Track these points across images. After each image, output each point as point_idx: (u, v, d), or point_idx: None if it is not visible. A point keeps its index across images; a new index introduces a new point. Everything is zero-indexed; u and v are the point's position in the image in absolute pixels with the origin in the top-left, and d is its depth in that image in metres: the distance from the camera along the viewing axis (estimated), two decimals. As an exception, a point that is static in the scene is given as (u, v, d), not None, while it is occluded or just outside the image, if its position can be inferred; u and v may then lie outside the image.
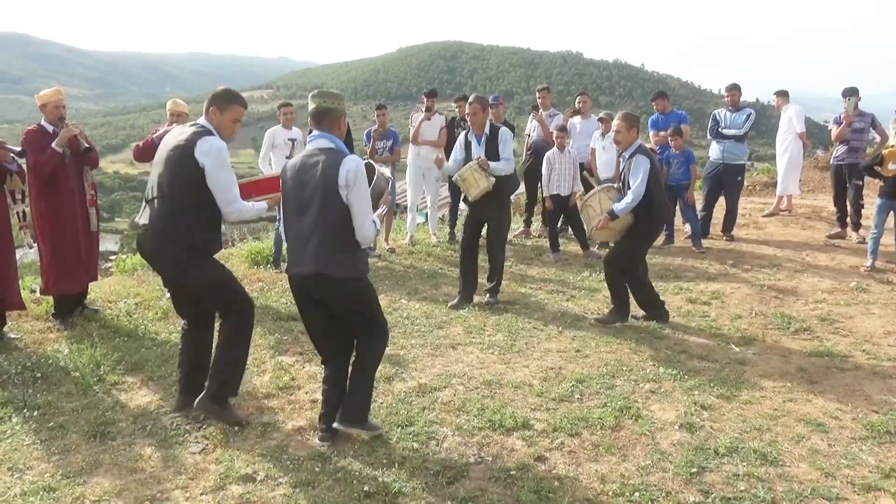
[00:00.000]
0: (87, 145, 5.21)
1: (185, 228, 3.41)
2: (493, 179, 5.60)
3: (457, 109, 8.16)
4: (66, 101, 5.28)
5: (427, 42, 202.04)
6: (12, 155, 4.84)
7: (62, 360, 4.51)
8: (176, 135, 3.50)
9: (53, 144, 4.98)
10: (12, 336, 5.03)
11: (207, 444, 3.44)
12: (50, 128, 5.11)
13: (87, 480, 3.13)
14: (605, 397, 3.88)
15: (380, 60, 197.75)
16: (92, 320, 5.40)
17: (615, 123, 5.16)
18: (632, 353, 4.61)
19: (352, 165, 3.18)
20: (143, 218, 3.52)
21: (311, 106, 3.39)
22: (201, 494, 3.02)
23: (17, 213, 4.96)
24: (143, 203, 3.55)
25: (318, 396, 3.95)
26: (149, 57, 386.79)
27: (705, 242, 7.63)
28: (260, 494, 3.00)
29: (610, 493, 2.96)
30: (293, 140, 7.28)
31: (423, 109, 8.14)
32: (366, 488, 2.99)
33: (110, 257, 10.62)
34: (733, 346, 4.72)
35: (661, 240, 7.87)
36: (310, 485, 3.06)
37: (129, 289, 6.34)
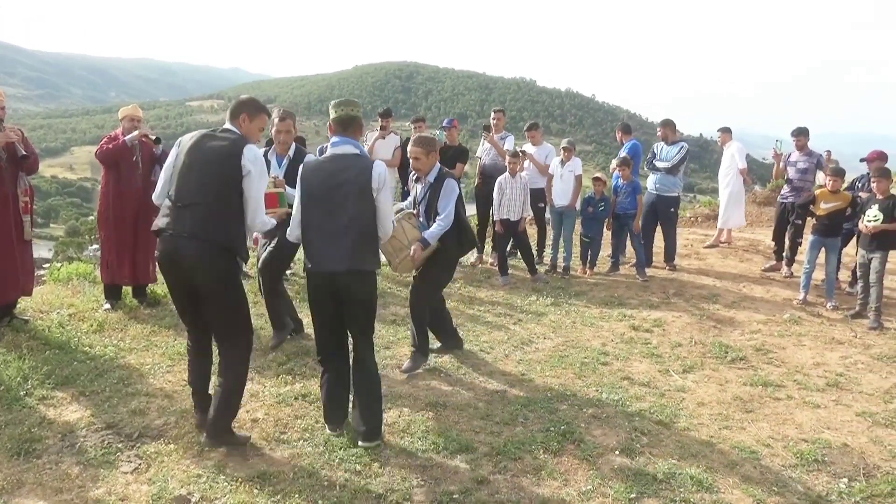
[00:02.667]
0: (24, 153, 5.01)
1: (230, 237, 3.35)
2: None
3: (413, 129, 8.20)
4: (3, 103, 5.07)
5: (383, 61, 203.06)
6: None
7: (-14, 373, 4.28)
8: (206, 139, 3.40)
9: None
10: (-69, 346, 4.75)
11: (140, 464, 3.32)
12: None
13: (7, 501, 2.97)
14: (548, 422, 3.91)
15: (335, 77, 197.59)
16: (21, 331, 5.16)
17: (412, 150, 4.64)
18: (576, 377, 4.68)
19: (381, 169, 3.59)
20: (171, 223, 3.31)
21: (338, 113, 3.66)
22: (132, 517, 2.90)
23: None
24: (167, 207, 3.36)
25: (259, 415, 3.88)
26: (95, 60, 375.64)
27: (649, 271, 7.83)
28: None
29: (551, 518, 2.98)
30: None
31: (378, 128, 8.16)
32: (305, 511, 2.92)
33: (44, 265, 10.19)
34: (673, 373, 4.84)
35: (606, 267, 8.06)
36: (248, 508, 2.97)
37: (62, 299, 6.09)
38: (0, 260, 4.98)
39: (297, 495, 3.07)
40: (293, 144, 5.04)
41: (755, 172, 13.12)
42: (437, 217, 4.55)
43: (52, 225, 69.17)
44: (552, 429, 3.80)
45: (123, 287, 6.04)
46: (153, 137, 5.85)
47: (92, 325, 5.41)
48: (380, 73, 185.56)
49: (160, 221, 3.34)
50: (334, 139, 3.68)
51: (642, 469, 3.40)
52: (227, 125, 3.48)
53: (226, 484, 3.14)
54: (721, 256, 9.03)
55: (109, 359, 4.72)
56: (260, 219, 3.44)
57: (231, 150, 3.33)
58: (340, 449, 3.51)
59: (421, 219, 4.62)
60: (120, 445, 3.49)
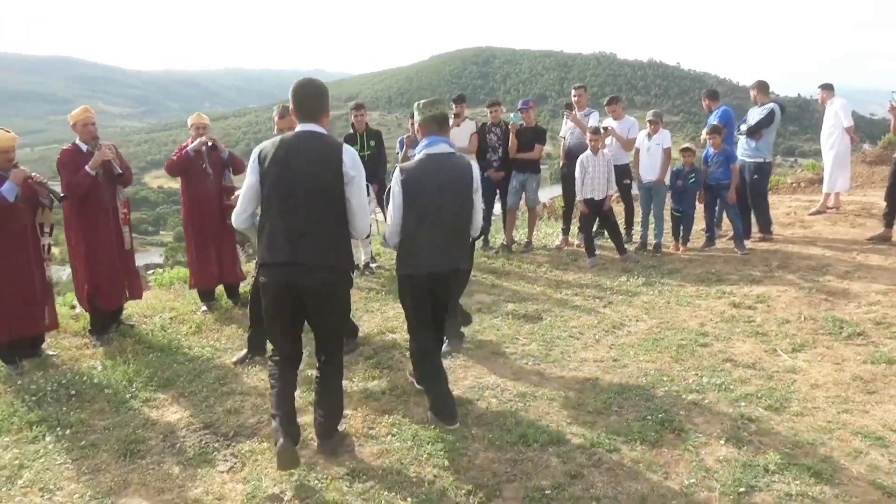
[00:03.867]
0: (119, 171, 5.23)
1: (349, 257, 3.29)
2: None
3: (489, 114, 8.06)
4: (95, 119, 5.32)
5: (458, 49, 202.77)
6: (48, 191, 4.90)
7: (96, 377, 4.53)
8: (295, 151, 3.12)
9: (87, 167, 5.04)
10: (49, 353, 5.09)
11: (235, 463, 3.39)
12: (84, 147, 5.18)
13: (115, 502, 3.10)
14: (644, 410, 3.70)
15: (412, 69, 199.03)
16: (127, 336, 5.44)
17: None
18: (673, 361, 4.42)
19: (476, 166, 3.71)
20: (286, 254, 3.10)
21: (430, 113, 3.66)
22: (228, 516, 2.96)
23: (44, 245, 5.00)
24: (275, 235, 3.13)
25: (348, 411, 3.88)
26: (188, 74, 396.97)
27: (748, 244, 7.34)
28: (288, 516, 2.92)
29: (652, 514, 2.80)
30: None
31: (452, 115, 8.05)
32: (395, 509, 2.88)
33: (157, 269, 10.73)
34: (781, 353, 4.48)
35: (701, 242, 7.62)
36: (338, 506, 2.97)
37: (164, 303, 6.39)
38: (106, 269, 5.27)
39: (386, 492, 3.03)
40: None
41: (862, 130, 12.08)
42: None
43: (161, 232, 73.76)
44: (649, 417, 3.59)
45: (217, 289, 6.26)
46: (209, 143, 5.89)
47: (191, 328, 5.63)
48: (456, 61, 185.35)
49: (270, 254, 3.14)
50: (428, 139, 3.63)
51: (751, 460, 3.14)
52: (308, 126, 3.17)
53: (317, 482, 3.15)
54: (829, 223, 8.36)
55: (206, 359, 4.89)
56: (366, 222, 3.28)
57: (329, 157, 3.11)
58: (428, 444, 3.45)
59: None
60: (217, 445, 3.59)
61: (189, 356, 4.97)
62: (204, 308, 6.13)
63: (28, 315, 4.88)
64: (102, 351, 5.13)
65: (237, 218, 3.29)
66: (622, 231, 8.07)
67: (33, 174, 4.81)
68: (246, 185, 3.23)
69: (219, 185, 5.89)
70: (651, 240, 7.65)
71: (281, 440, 3.08)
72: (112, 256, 5.30)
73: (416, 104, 3.77)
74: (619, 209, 8.41)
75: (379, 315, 5.81)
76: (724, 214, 7.84)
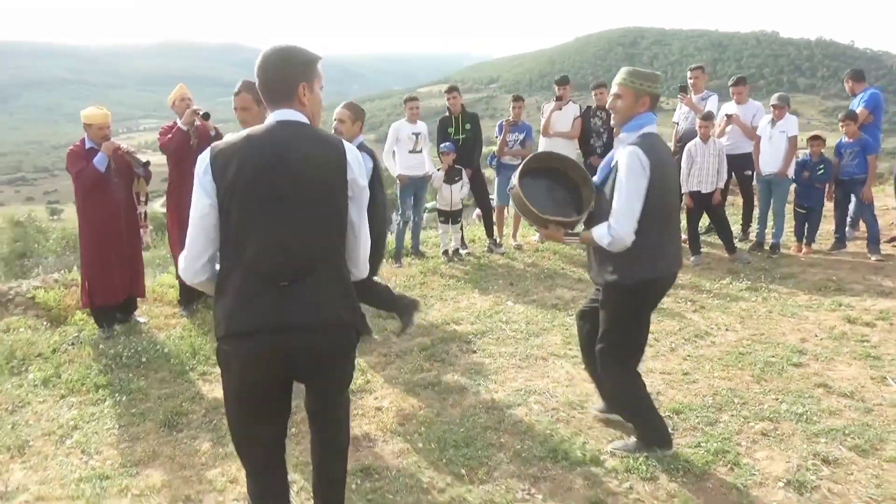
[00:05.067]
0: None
1: (354, 299, 2.23)
2: None
3: (595, 96, 7.58)
4: (190, 96, 5.52)
5: (604, 30, 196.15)
6: (135, 160, 5.17)
7: (168, 347, 4.76)
8: (277, 149, 2.06)
9: (180, 123, 5.24)
10: (140, 320, 5.42)
11: (258, 446, 3.38)
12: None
13: (139, 472, 3.19)
14: (701, 435, 3.26)
15: (555, 51, 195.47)
16: (212, 308, 5.68)
17: (340, 112, 4.31)
18: (753, 381, 3.87)
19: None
20: (270, 314, 2.02)
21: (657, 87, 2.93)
22: (233, 500, 2.95)
23: (140, 213, 5.30)
24: (250, 289, 2.03)
25: (385, 404, 3.76)
26: (338, 58, 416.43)
27: (885, 249, 6.36)
28: (288, 508, 2.85)
29: (674, 560, 2.43)
30: (417, 134, 7.18)
31: (554, 98, 7.65)
32: (393, 516, 2.73)
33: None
34: (893, 382, 3.79)
35: (829, 244, 6.72)
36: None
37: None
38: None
39: (391, 496, 2.89)
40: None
41: None
42: None
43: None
44: (703, 444, 3.15)
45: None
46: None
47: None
48: (601, 42, 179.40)
49: (241, 317, 2.02)
50: (642, 117, 2.90)
51: (813, 510, 2.65)
52: (285, 113, 2.11)
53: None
54: None
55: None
56: (365, 261, 2.30)
57: (328, 158, 2.10)
58: (453, 448, 3.25)
59: None
60: (249, 425, 3.61)
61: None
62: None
63: (121, 282, 5.21)
64: (186, 321, 5.40)
65: (189, 269, 2.11)
66: (740, 228, 7.33)
67: (122, 146, 5.10)
68: (196, 214, 2.04)
69: None
70: (769, 239, 6.85)
71: None
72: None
73: (633, 70, 2.95)
74: (738, 202, 7.64)
75: (451, 304, 5.65)
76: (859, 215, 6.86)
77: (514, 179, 3.08)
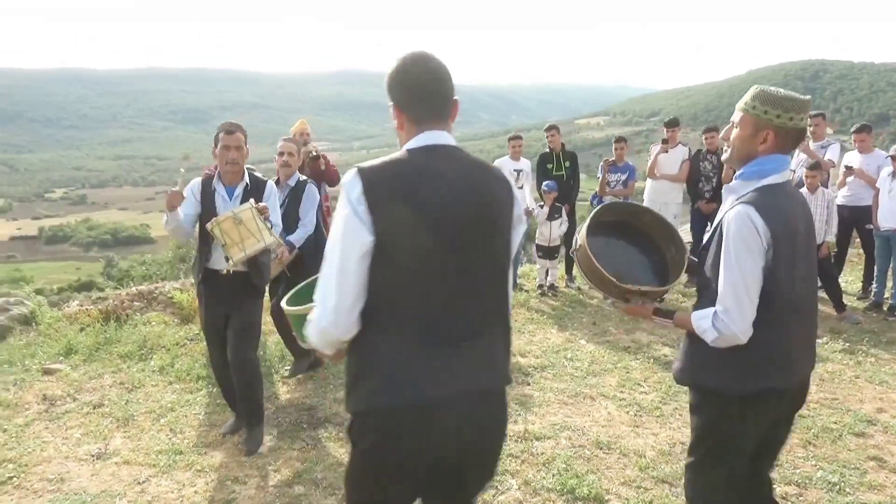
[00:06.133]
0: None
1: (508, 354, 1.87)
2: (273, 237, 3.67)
3: (704, 141, 7.47)
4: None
5: (781, 62, 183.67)
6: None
7: (262, 351, 5.41)
8: (449, 180, 1.71)
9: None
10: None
11: (305, 446, 3.84)
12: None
13: (207, 452, 3.76)
14: (716, 490, 3.24)
15: (725, 84, 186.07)
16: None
17: (285, 145, 4.77)
18: (800, 444, 3.72)
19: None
20: (463, 377, 1.71)
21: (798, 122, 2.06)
22: (272, 485, 3.41)
23: None
24: (430, 352, 1.69)
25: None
26: (499, 88, 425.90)
27: None
28: (311, 501, 3.26)
29: None
30: (519, 171, 7.49)
31: (661, 141, 7.63)
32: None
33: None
34: (963, 465, 3.48)
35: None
36: None
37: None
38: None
39: None
40: (245, 172, 3.79)
41: None
42: (301, 224, 4.63)
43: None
44: (713, 499, 3.14)
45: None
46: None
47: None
48: (777, 76, 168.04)
49: (406, 387, 1.67)
50: (769, 160, 2.07)
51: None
52: (441, 135, 1.76)
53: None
54: None
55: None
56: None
57: (497, 190, 1.79)
58: (471, 468, 3.50)
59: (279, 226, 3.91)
60: (305, 426, 4.09)
61: (342, 346, 5.63)
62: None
63: None
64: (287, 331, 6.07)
65: (342, 323, 1.67)
66: (858, 286, 6.85)
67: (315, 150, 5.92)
68: (353, 253, 1.63)
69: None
70: (888, 299, 6.33)
71: None
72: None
73: (760, 92, 2.07)
74: (859, 256, 7.11)
75: (525, 337, 5.85)
76: None
77: (580, 237, 2.38)
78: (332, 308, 1.66)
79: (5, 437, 3.93)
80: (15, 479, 3.45)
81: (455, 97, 1.81)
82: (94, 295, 7.31)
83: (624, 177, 7.53)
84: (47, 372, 4.96)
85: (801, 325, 2.14)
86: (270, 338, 5.73)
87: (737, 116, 2.13)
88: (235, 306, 3.77)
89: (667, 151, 7.51)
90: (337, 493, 3.30)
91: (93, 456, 3.72)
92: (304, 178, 4.87)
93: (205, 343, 4.41)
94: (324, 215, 6.16)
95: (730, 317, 1.99)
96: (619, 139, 7.82)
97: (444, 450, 1.72)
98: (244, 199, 3.65)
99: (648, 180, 7.72)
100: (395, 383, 1.67)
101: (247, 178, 3.76)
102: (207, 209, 3.66)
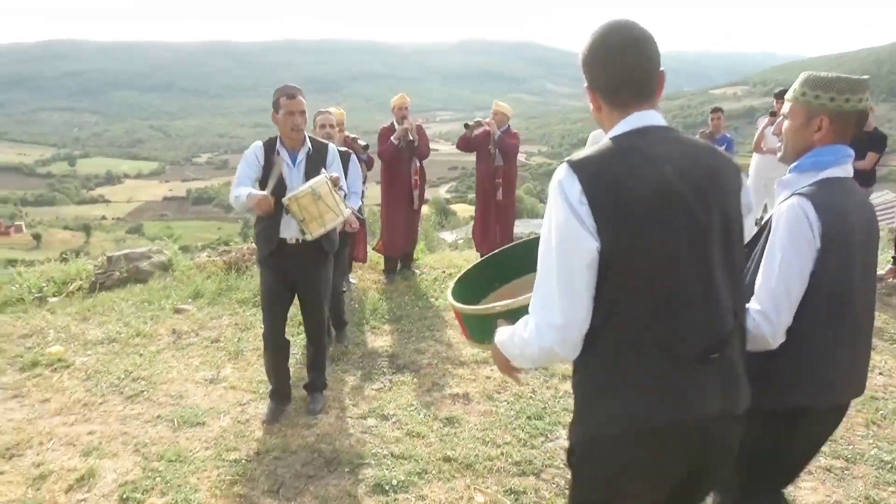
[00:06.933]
0: (412, 140, 6.51)
1: None
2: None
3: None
4: (407, 105, 6.68)
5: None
6: (361, 146, 6.46)
7: (357, 305, 5.96)
8: (678, 166, 1.50)
9: (392, 138, 6.47)
10: (351, 281, 6.75)
11: (382, 387, 4.29)
12: (396, 125, 6.58)
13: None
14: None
15: (885, 51, 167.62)
16: (406, 280, 6.81)
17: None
18: (862, 424, 3.69)
19: None
20: (712, 398, 1.52)
21: (858, 104, 1.88)
22: (348, 416, 3.89)
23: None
24: (681, 366, 1.50)
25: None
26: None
27: None
28: (379, 432, 3.70)
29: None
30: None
31: (769, 113, 7.34)
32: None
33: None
34: None
35: None
36: (421, 436, 3.62)
37: (450, 260, 7.65)
38: (395, 222, 6.71)
39: (457, 448, 3.57)
40: (307, 136, 3.76)
41: None
42: (353, 193, 4.54)
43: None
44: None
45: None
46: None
47: (443, 283, 6.72)
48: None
49: (655, 408, 1.49)
50: (826, 151, 1.92)
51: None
52: (647, 116, 1.54)
53: (414, 413, 3.86)
54: None
55: (441, 308, 5.90)
56: None
57: (734, 176, 1.62)
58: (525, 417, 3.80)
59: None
60: (385, 370, 4.56)
61: (429, 304, 6.06)
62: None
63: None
64: (383, 287, 6.59)
65: (570, 340, 1.49)
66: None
67: (349, 135, 6.32)
68: (577, 262, 1.45)
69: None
70: None
71: None
72: (401, 212, 6.70)
73: (808, 77, 1.94)
74: None
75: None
76: None
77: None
78: (560, 326, 1.46)
79: (141, 360, 4.70)
80: (145, 392, 4.18)
81: (661, 68, 1.56)
82: (220, 248, 8.22)
83: (721, 149, 7.33)
84: (178, 311, 5.77)
85: (847, 343, 1.87)
86: (371, 294, 6.26)
87: (786, 108, 1.98)
88: (306, 276, 3.79)
89: (772, 125, 7.22)
90: (403, 427, 3.73)
91: (207, 380, 4.39)
92: (345, 148, 5.10)
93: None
94: (411, 187, 6.62)
95: (764, 316, 1.78)
96: (716, 109, 7.62)
97: (682, 473, 1.57)
98: (308, 164, 3.68)
99: (754, 154, 7.49)
100: (640, 406, 1.48)
101: (308, 143, 3.73)
102: (270, 174, 3.59)
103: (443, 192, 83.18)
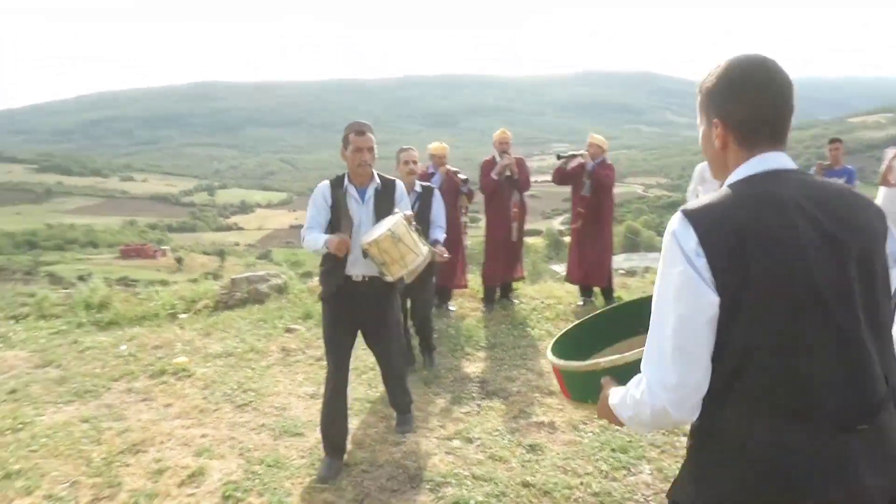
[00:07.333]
0: (511, 174, 6.66)
1: None
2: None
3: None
4: (508, 140, 6.83)
5: None
6: (461, 179, 6.70)
7: (454, 331, 6.13)
8: (810, 214, 1.35)
9: (492, 174, 6.67)
10: (451, 309, 6.95)
11: (471, 411, 4.41)
12: (498, 158, 6.79)
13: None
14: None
15: None
16: (505, 309, 6.92)
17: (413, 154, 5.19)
18: None
19: None
20: (850, 476, 1.30)
21: None
22: (435, 437, 4.03)
23: (462, 222, 6.83)
24: (820, 440, 1.31)
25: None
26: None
27: None
28: (463, 453, 3.81)
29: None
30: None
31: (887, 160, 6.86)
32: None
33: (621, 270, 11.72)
34: None
35: None
36: (503, 461, 3.70)
37: (551, 291, 7.67)
38: (495, 252, 6.86)
39: (540, 475, 3.61)
40: (375, 173, 3.69)
41: None
42: (438, 227, 4.75)
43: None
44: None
45: (594, 287, 7.15)
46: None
47: (551, 314, 6.74)
48: None
49: (782, 486, 1.32)
50: None
51: None
52: (775, 158, 1.42)
53: (499, 437, 3.93)
54: None
55: (535, 338, 5.95)
56: None
57: (879, 222, 1.42)
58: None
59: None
60: (475, 395, 4.67)
61: (524, 333, 6.13)
62: (580, 302, 7.14)
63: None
64: (482, 315, 6.73)
65: (685, 403, 1.36)
66: None
67: (450, 168, 6.61)
68: (696, 319, 1.32)
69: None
70: None
71: None
72: (501, 243, 6.84)
73: None
74: None
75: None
76: None
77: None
78: (674, 385, 1.34)
79: (252, 373, 5.11)
80: (253, 403, 4.54)
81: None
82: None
83: (842, 181, 6.91)
84: (289, 330, 6.20)
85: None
86: (468, 321, 6.42)
87: None
88: (374, 316, 3.73)
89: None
90: (486, 450, 3.82)
91: (308, 395, 4.70)
92: (429, 184, 5.32)
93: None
94: (510, 219, 6.77)
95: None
96: (834, 140, 7.22)
97: None
98: (376, 201, 3.63)
99: (881, 188, 7.00)
100: (768, 477, 1.32)
101: (377, 179, 3.66)
102: (339, 213, 3.56)
103: (556, 223, 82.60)
